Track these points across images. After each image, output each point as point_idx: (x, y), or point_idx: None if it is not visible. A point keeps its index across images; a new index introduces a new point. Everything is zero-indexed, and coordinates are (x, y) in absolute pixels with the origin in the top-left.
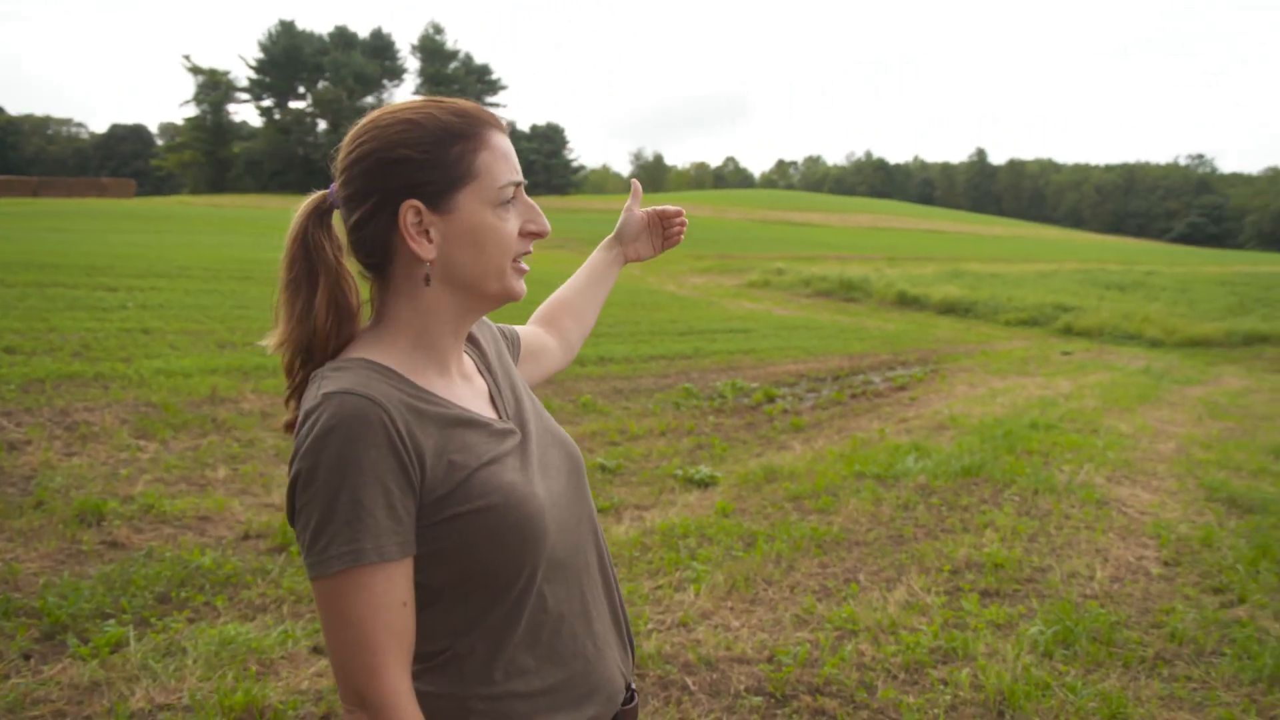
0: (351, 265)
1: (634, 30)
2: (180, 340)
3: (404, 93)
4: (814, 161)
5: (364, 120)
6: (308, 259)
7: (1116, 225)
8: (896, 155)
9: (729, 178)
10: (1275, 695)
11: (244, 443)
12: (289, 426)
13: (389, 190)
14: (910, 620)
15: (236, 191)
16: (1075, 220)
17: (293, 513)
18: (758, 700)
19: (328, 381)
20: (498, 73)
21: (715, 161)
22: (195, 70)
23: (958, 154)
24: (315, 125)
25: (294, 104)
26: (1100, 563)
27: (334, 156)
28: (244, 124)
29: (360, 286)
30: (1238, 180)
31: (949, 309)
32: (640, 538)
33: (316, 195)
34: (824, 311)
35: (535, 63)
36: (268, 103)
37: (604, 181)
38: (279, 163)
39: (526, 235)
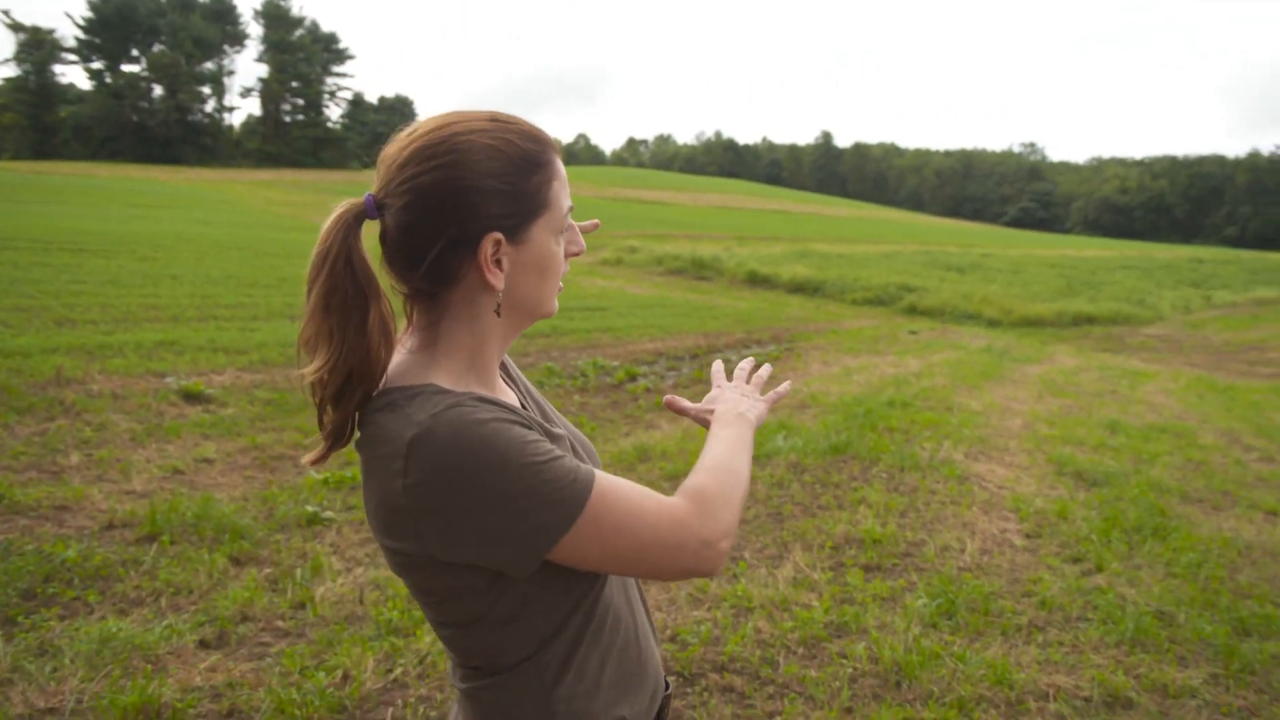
0: (384, 283)
1: (486, 1)
2: (13, 318)
3: (246, 60)
4: (664, 140)
5: (429, 133)
6: (354, 278)
7: (954, 209)
8: (745, 136)
9: (580, 154)
10: (1138, 655)
11: (95, 426)
12: (319, 460)
13: (473, 220)
14: (801, 596)
15: (64, 158)
16: (916, 203)
17: (448, 532)
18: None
19: (416, 407)
20: (345, 41)
21: (567, 138)
22: (16, 27)
23: (805, 136)
24: (150, 91)
25: (127, 67)
26: (969, 536)
27: (379, 163)
28: (71, 87)
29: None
30: (1065, 168)
31: (798, 288)
32: None
33: (352, 205)
34: (677, 290)
35: (384, 32)
36: (98, 65)
37: None
38: (110, 129)
39: (569, 255)
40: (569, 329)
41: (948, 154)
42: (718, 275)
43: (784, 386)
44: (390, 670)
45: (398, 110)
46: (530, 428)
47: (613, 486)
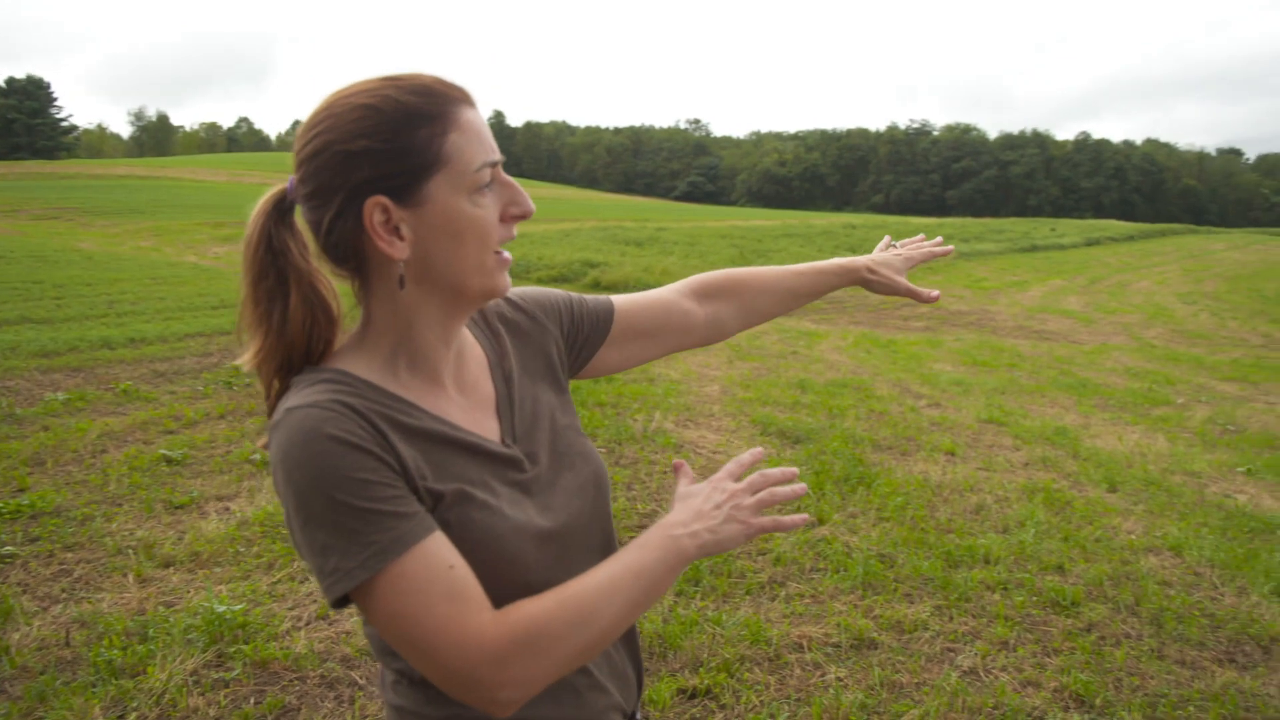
0: (323, 267)
1: None
2: None
3: None
4: None
5: (317, 107)
6: (276, 264)
7: (627, 185)
8: None
9: (243, 140)
10: (871, 598)
11: None
12: (267, 447)
13: (351, 186)
14: None
15: None
16: (590, 180)
17: (290, 525)
18: None
19: (292, 395)
20: None
21: (228, 122)
22: None
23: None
24: None
25: None
26: None
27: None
28: None
29: (341, 289)
30: (728, 143)
31: None
32: (236, 531)
33: (274, 191)
34: None
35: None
36: None
37: (100, 144)
38: None
39: (509, 219)
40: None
41: (618, 131)
42: None
43: (796, 518)
44: (123, 717)
45: (30, 94)
46: (385, 461)
47: (414, 573)
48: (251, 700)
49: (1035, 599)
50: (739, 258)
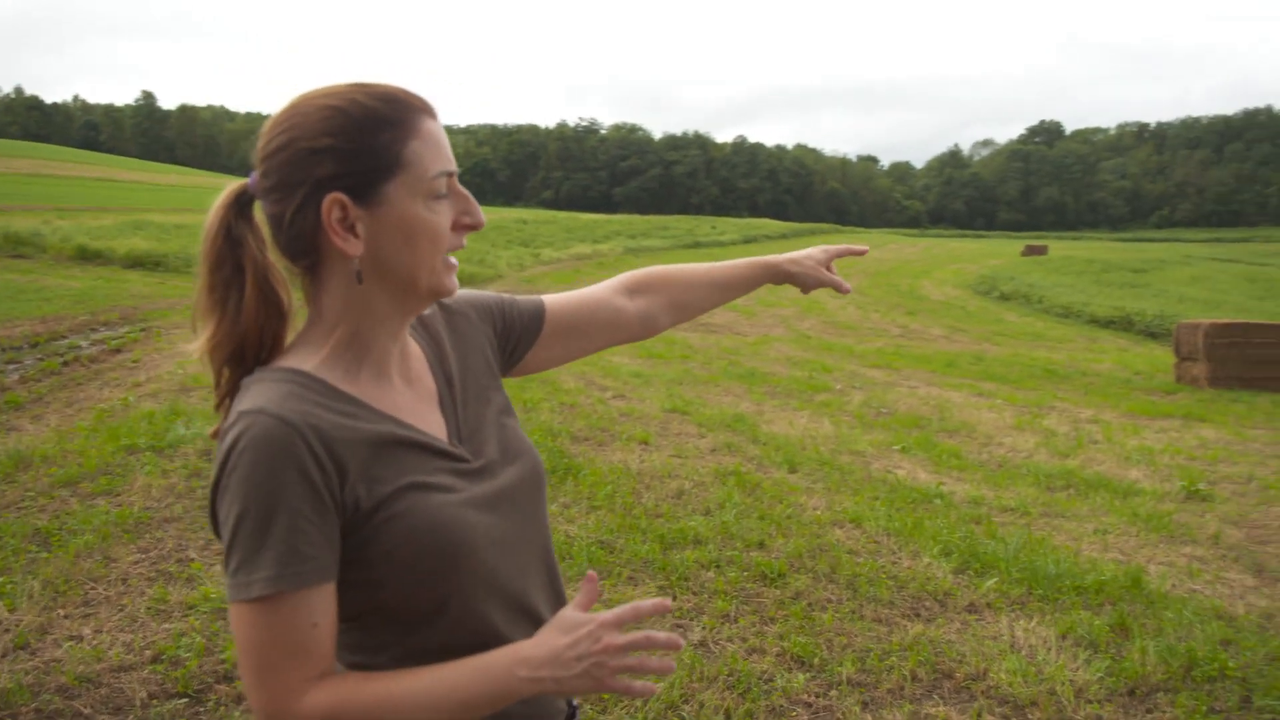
0: (279, 261)
1: None
2: None
3: None
4: None
5: (284, 107)
6: (233, 254)
7: None
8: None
9: None
10: (601, 584)
11: None
12: (217, 434)
13: (312, 182)
14: None
15: None
16: (248, 169)
17: (216, 527)
18: (175, 704)
19: (247, 396)
20: None
21: None
22: None
23: (123, 96)
24: None
25: None
26: None
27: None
28: None
29: (292, 285)
30: None
31: (137, 263)
32: None
33: (235, 185)
34: None
35: None
36: None
37: None
38: None
39: (460, 228)
40: None
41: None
42: (40, 252)
43: (648, 687)
44: None
45: None
46: (323, 497)
47: (282, 615)
48: None
49: (746, 574)
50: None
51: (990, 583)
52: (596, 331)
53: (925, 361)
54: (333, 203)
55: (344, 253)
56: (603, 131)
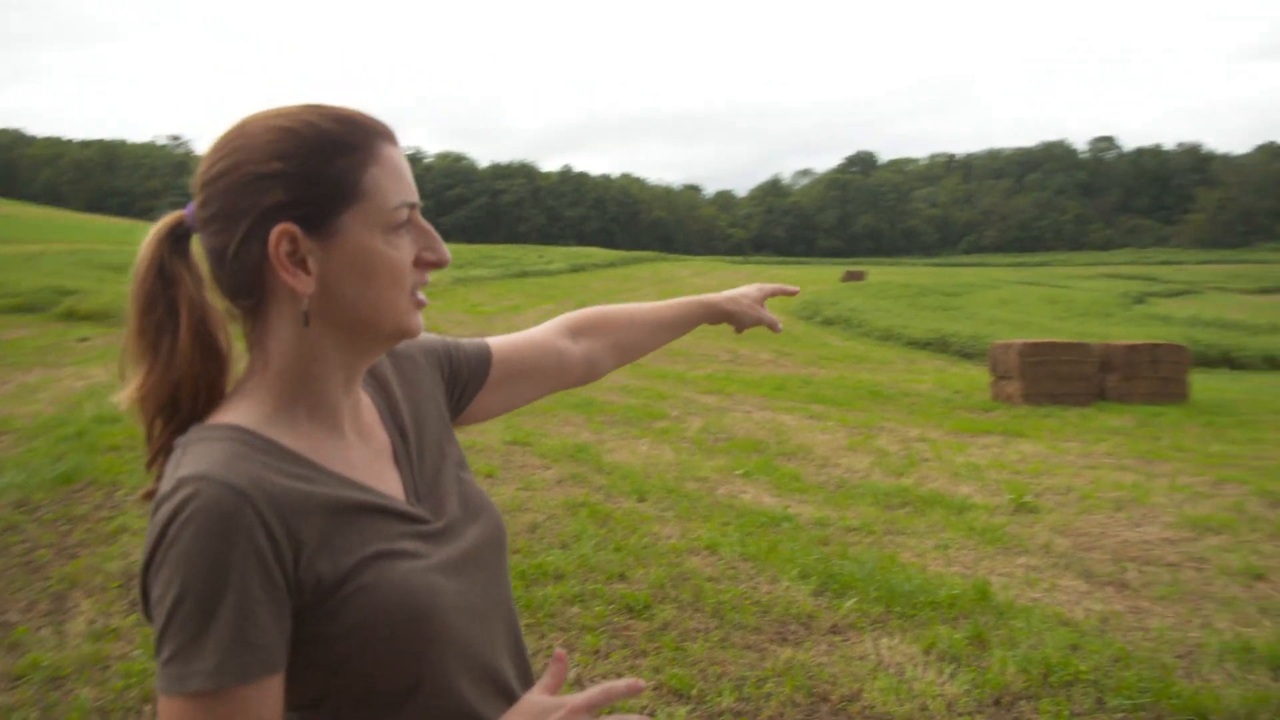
0: (218, 302)
1: None
2: None
3: None
4: None
5: (228, 129)
6: (166, 294)
7: (99, 203)
8: None
9: None
10: None
11: None
12: (149, 496)
13: (259, 211)
14: (115, 648)
15: None
16: (54, 197)
17: (146, 608)
18: None
19: (188, 459)
20: None
21: None
22: None
23: None
24: None
25: None
26: None
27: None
28: None
29: (230, 328)
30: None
31: None
32: None
33: (170, 217)
34: None
35: None
36: None
37: None
38: None
39: (423, 265)
40: None
41: (85, 144)
42: None
43: None
44: None
45: None
46: (274, 579)
47: (227, 711)
48: None
49: (612, 606)
50: None
51: (850, 603)
52: (540, 376)
53: (756, 386)
54: (281, 234)
55: (293, 290)
56: (428, 159)
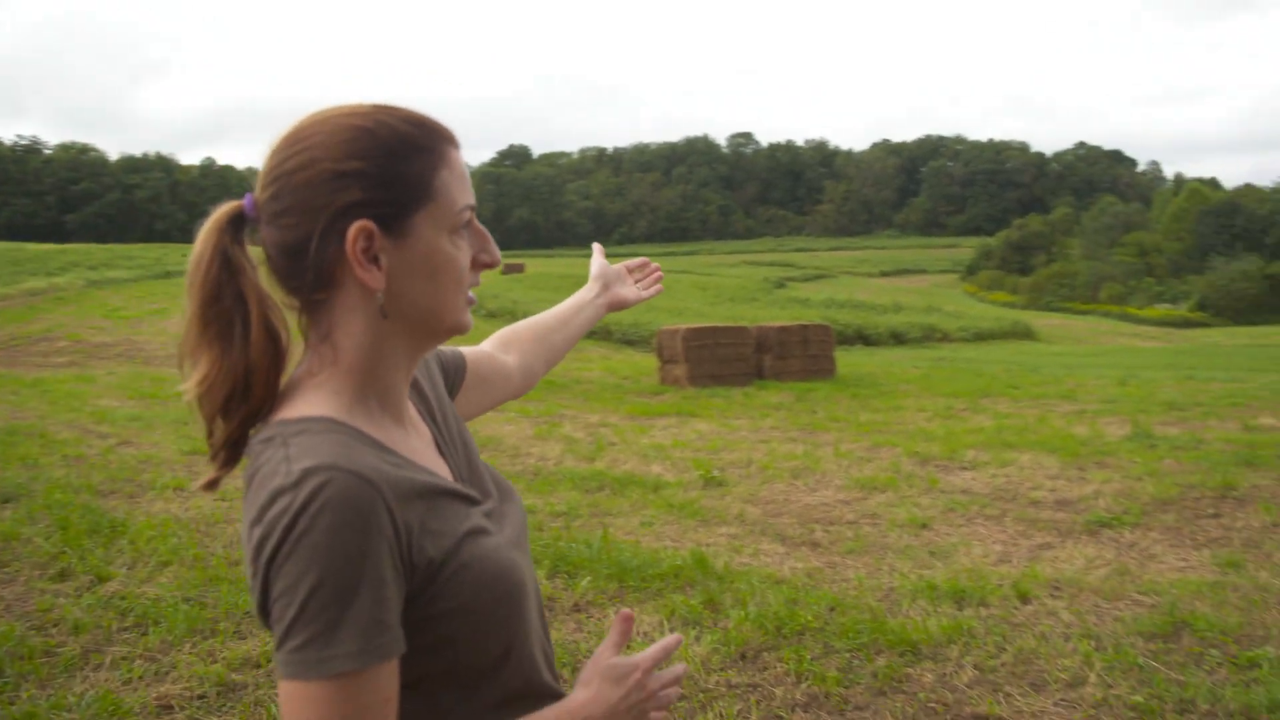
0: (274, 293)
1: None
2: None
3: None
4: None
5: (300, 123)
6: (233, 283)
7: None
8: None
9: None
10: (208, 642)
11: None
12: (212, 485)
13: (338, 208)
14: None
15: None
16: None
17: (266, 599)
18: None
19: (297, 449)
20: None
21: None
22: None
23: None
24: None
25: None
26: None
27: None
28: None
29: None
30: None
31: None
32: None
33: (229, 206)
34: None
35: None
36: None
37: None
38: None
39: (478, 266)
40: None
41: None
42: None
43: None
44: None
45: None
46: (399, 563)
47: (360, 692)
48: None
49: None
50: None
51: (584, 582)
52: (492, 386)
53: None
54: (359, 231)
55: (365, 286)
56: (48, 151)
